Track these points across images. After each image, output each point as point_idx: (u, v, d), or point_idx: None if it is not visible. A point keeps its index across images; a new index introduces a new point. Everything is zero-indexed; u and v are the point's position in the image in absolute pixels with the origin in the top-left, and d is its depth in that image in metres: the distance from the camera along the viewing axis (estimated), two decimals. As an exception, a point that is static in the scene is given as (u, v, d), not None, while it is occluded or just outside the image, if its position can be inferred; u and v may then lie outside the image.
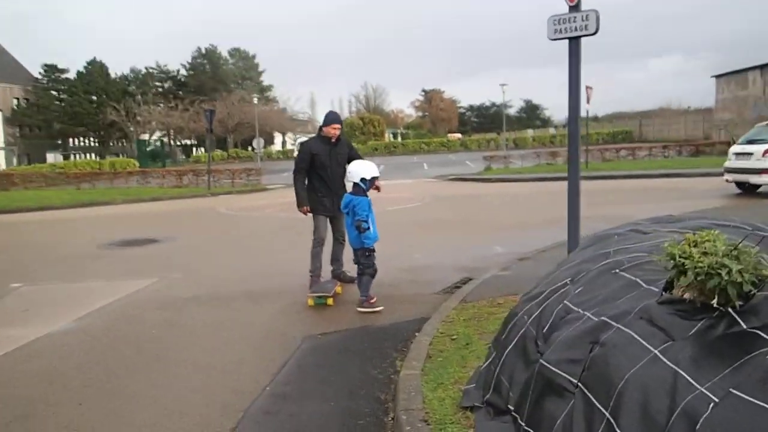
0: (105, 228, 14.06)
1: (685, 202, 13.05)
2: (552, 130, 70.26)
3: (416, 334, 5.23)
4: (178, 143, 62.02)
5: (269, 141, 65.31)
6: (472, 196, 17.28)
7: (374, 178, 6.28)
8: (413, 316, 5.92)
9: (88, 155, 60.51)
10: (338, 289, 6.84)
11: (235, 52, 71.01)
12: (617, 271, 3.06)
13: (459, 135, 70.44)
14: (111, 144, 66.26)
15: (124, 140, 64.61)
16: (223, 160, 51.09)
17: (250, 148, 61.30)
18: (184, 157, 59.99)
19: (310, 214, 6.99)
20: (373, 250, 6.24)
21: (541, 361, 2.82)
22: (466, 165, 35.81)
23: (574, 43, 5.05)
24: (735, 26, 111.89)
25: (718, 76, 32.51)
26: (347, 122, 70.50)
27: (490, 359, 3.60)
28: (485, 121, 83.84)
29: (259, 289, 7.28)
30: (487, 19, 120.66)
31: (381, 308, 6.11)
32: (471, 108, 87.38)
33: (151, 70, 66.36)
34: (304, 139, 6.93)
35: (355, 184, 6.19)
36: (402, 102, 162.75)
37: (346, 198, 6.24)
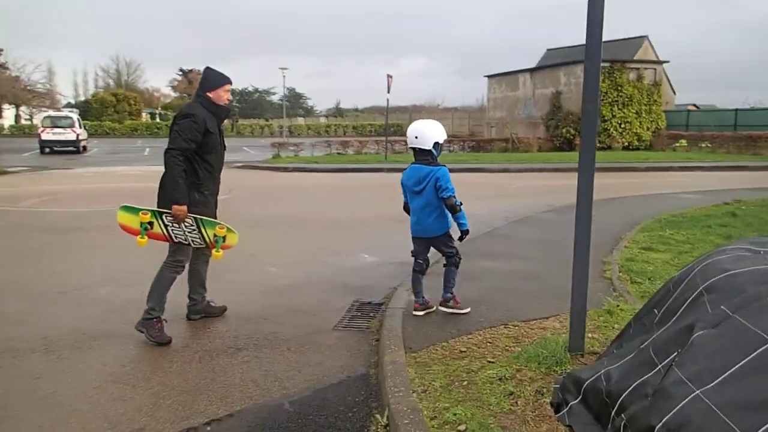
0: None
1: (530, 200, 12.69)
2: (323, 120, 70.19)
3: (376, 415, 3.36)
4: None
5: (-2, 114, 54.92)
6: (284, 187, 15.26)
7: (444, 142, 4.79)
8: (337, 374, 4.03)
9: None
10: None
11: (-49, 5, 58.51)
12: None
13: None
14: None
15: None
16: (-64, 134, 41.48)
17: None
18: None
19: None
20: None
21: None
22: (246, 152, 33.37)
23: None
24: (468, 35, 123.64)
25: (490, 77, 34.40)
26: (96, 97, 62.54)
27: None
28: (248, 106, 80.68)
29: (61, 335, 4.67)
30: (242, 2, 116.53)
31: (468, 310, 4.88)
32: (233, 92, 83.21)
33: None
34: (187, 108, 4.62)
35: (421, 150, 4.68)
36: (159, 80, 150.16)
37: (420, 170, 4.67)
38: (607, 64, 28.09)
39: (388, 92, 21.59)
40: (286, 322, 5.06)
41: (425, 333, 4.48)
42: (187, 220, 4.46)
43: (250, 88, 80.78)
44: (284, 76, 35.17)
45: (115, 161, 25.13)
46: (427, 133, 4.63)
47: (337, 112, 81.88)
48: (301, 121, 66.92)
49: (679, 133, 29.15)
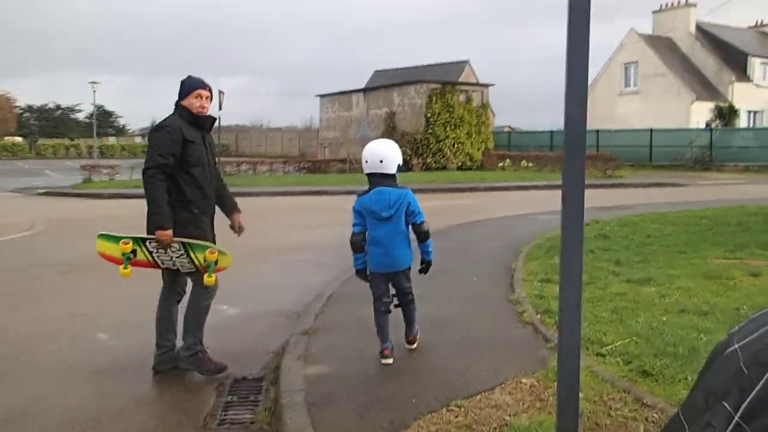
0: None
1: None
2: (139, 140, 65.10)
3: None
4: None
5: None
6: (101, 218, 12.83)
7: None
8: None
9: None
10: None
11: None
12: None
13: (20, 138, 59.53)
14: None
15: None
16: None
17: None
18: None
19: None
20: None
21: None
22: (49, 175, 29.43)
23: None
24: (293, 57, 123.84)
25: (322, 96, 33.47)
26: None
27: None
28: (49, 125, 72.85)
29: None
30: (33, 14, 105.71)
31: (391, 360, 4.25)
32: (30, 109, 74.68)
33: None
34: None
35: (383, 174, 4.14)
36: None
37: (389, 193, 4.11)
38: (438, 85, 28.58)
39: (220, 109, 19.77)
40: (134, 424, 3.54)
41: (348, 430, 3.21)
42: (173, 245, 4.05)
43: (51, 105, 73.14)
44: (94, 91, 31.86)
45: None
46: (392, 155, 4.13)
47: (154, 131, 76.66)
48: (113, 140, 61.50)
49: (506, 153, 30.46)
